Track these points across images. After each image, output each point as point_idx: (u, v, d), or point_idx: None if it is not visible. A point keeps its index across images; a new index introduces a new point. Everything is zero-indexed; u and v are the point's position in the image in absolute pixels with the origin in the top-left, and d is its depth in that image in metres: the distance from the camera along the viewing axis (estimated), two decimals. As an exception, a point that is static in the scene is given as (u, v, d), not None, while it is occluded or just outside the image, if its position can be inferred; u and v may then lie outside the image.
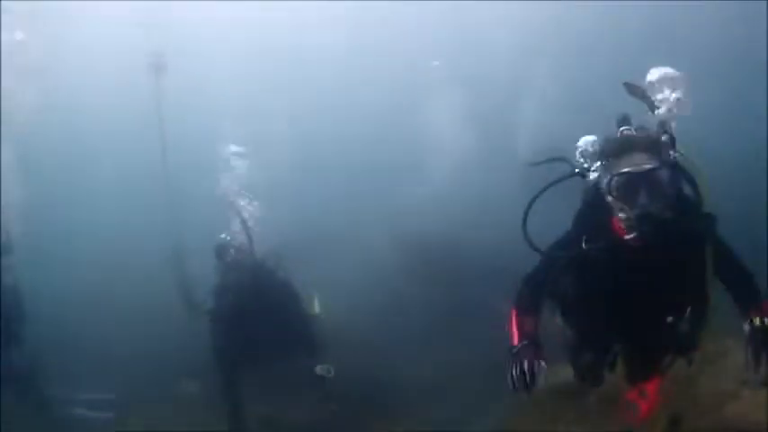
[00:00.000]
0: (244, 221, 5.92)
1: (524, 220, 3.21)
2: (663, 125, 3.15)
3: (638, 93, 3.23)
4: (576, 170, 3.37)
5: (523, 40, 9.23)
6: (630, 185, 2.98)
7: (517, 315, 3.19)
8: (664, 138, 3.08)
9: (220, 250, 5.78)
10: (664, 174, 2.98)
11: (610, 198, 3.08)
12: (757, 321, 2.89)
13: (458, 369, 6.60)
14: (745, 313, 2.99)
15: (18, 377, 6.13)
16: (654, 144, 3.04)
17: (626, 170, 2.98)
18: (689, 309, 3.21)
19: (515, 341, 3.07)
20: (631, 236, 3.01)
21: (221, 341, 5.67)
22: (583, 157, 3.43)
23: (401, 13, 10.30)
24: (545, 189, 3.28)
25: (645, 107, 3.27)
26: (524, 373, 2.89)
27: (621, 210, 3.05)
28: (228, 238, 5.85)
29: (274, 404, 6.29)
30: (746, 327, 2.93)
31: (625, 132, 3.12)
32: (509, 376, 2.92)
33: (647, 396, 3.40)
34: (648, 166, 2.96)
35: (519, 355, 3.00)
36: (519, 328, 3.13)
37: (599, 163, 3.22)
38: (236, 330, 5.60)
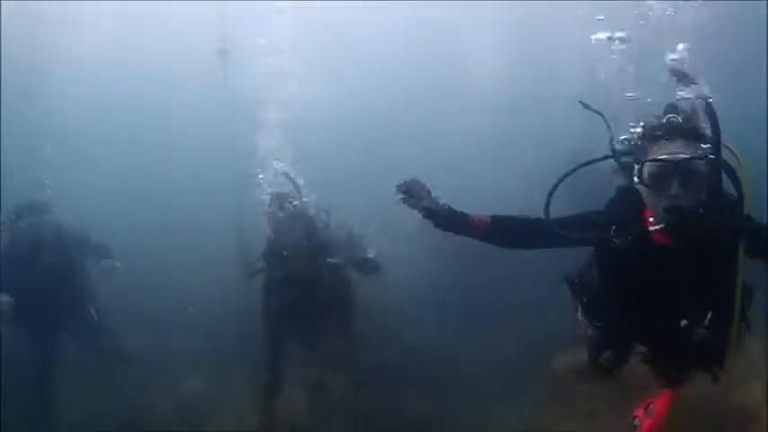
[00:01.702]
0: (295, 183, 5.76)
1: (549, 198, 3.05)
2: (709, 108, 2.90)
3: (681, 75, 3.12)
4: (612, 152, 3.14)
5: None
6: (663, 174, 2.80)
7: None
8: (707, 126, 2.87)
9: (275, 201, 5.60)
10: (701, 165, 2.78)
11: (641, 186, 2.91)
12: None
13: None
14: None
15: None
16: (695, 132, 2.84)
17: (660, 157, 2.80)
18: (709, 314, 2.97)
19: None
20: (656, 228, 2.85)
21: (269, 301, 5.64)
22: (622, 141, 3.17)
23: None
24: (576, 169, 3.09)
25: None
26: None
27: (651, 199, 2.88)
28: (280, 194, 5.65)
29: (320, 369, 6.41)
30: None
31: (670, 119, 2.89)
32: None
33: (652, 414, 3.12)
34: (684, 156, 2.77)
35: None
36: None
37: (634, 147, 3.03)
38: (286, 293, 5.56)
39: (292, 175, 5.84)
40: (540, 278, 4.42)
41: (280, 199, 5.58)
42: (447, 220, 3.08)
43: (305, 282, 5.52)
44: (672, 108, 2.93)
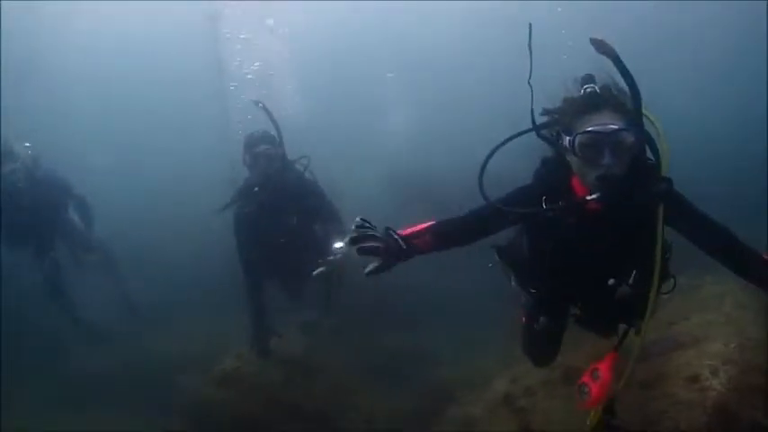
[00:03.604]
0: (272, 119, 5.58)
1: (481, 173, 3.12)
2: (629, 78, 2.91)
3: (607, 49, 2.93)
4: (533, 124, 3.12)
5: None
6: (595, 145, 2.89)
7: (428, 224, 3.20)
8: (629, 97, 2.93)
9: (250, 141, 5.44)
10: (628, 135, 2.89)
11: (572, 157, 3.00)
12: None
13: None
14: None
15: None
16: (619, 103, 2.94)
17: (591, 129, 2.89)
18: (633, 273, 3.15)
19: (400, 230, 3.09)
20: (592, 197, 2.94)
21: (245, 239, 5.52)
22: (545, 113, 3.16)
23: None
24: (503, 143, 3.17)
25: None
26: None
27: (582, 169, 2.97)
28: (259, 132, 5.50)
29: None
30: None
31: (589, 90, 2.98)
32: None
33: (599, 377, 3.17)
34: (614, 127, 2.87)
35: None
36: (413, 228, 3.15)
37: (559, 120, 3.07)
38: (260, 228, 5.45)
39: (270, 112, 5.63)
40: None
41: (258, 135, 5.45)
42: (396, 256, 3.07)
43: (275, 217, 5.42)
44: (589, 78, 3.02)
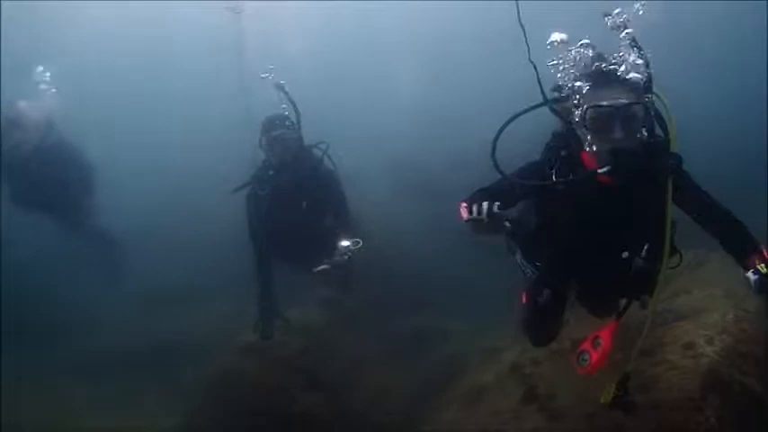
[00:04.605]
0: (292, 101, 5.56)
1: (493, 147, 3.16)
2: (642, 56, 3.03)
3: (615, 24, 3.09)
4: (544, 99, 3.19)
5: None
6: (605, 119, 2.97)
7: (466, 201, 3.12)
8: (641, 75, 3.01)
9: (267, 125, 5.45)
10: (638, 110, 2.97)
11: (582, 130, 3.07)
12: (764, 269, 2.84)
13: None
14: (745, 260, 2.93)
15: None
16: (630, 80, 3.02)
17: (603, 103, 2.96)
18: (646, 246, 3.21)
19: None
20: (603, 170, 3.02)
21: (256, 222, 5.52)
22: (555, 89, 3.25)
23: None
24: (514, 117, 3.19)
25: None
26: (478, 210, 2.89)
27: (593, 143, 3.03)
28: (277, 116, 5.48)
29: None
30: (751, 275, 2.87)
31: (601, 67, 3.05)
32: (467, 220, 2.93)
33: (600, 345, 3.28)
34: (625, 101, 2.95)
35: (471, 199, 3.05)
36: (473, 200, 3.04)
37: (571, 94, 3.13)
38: (271, 212, 5.46)
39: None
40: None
41: (276, 119, 5.44)
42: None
43: (287, 203, 5.43)
44: (600, 57, 3.10)
